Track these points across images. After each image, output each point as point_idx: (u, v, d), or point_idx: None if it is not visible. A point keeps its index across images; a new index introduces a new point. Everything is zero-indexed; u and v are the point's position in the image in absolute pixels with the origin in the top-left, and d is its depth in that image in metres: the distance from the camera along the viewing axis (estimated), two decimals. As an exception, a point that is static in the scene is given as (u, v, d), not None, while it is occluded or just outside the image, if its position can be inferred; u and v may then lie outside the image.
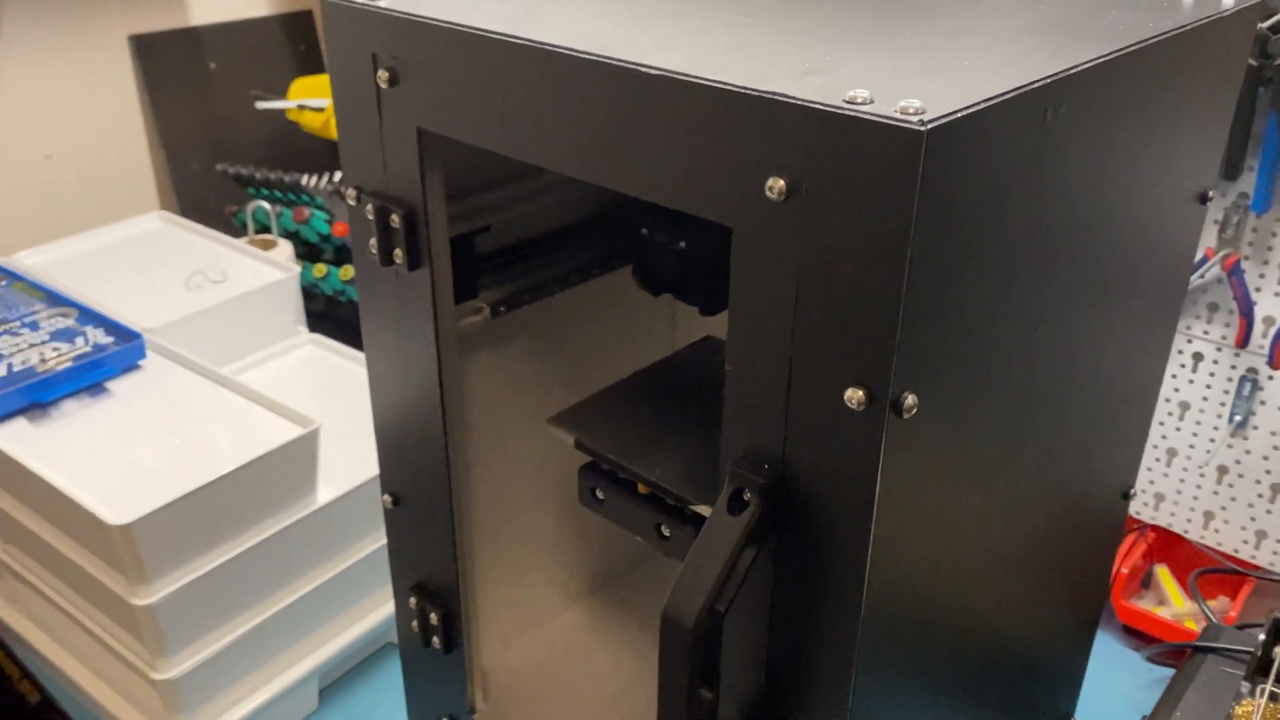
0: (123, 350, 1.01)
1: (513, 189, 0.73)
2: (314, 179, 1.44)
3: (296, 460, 0.92)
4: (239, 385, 1.00)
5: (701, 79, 0.43)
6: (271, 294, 1.20)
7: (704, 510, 0.62)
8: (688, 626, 0.47)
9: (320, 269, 1.38)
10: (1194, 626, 1.08)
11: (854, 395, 0.43)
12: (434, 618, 0.74)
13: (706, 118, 0.43)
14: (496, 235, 0.72)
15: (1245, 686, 0.87)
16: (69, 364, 0.98)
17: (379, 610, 1.05)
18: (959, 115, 0.39)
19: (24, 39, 1.51)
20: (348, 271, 1.37)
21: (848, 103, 0.39)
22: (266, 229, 1.42)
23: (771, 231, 0.43)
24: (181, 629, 0.87)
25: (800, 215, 0.42)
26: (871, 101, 0.39)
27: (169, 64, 1.65)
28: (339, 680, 1.06)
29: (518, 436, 0.80)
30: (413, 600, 0.75)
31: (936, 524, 0.52)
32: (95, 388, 1.00)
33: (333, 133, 1.58)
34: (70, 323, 1.05)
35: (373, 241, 0.63)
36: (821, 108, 0.40)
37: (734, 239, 0.45)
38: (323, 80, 1.66)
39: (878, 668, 0.51)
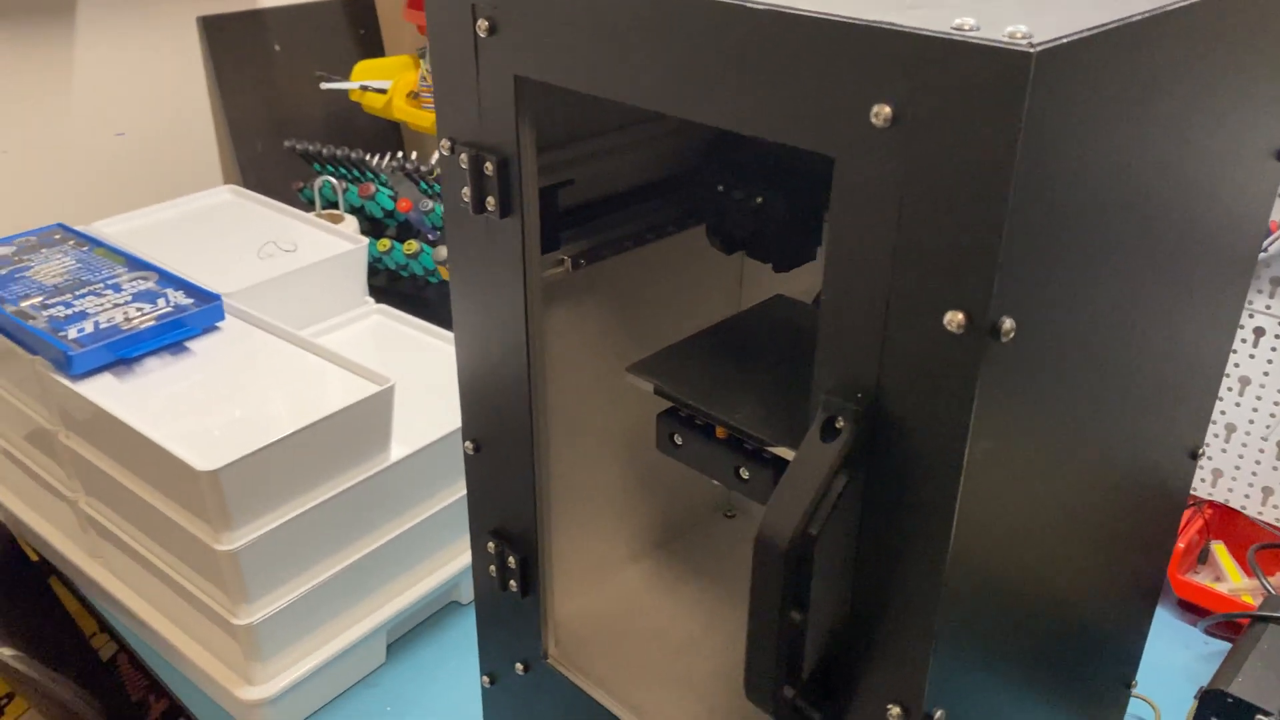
0: (203, 311, 1.05)
1: (594, 144, 0.75)
2: (379, 157, 1.47)
3: (372, 416, 0.95)
4: (315, 345, 1.03)
5: (808, 11, 0.45)
6: (341, 264, 1.23)
7: (782, 452, 0.64)
8: (781, 548, 0.49)
9: (384, 244, 1.41)
10: (1250, 601, 1.08)
11: (954, 318, 0.44)
12: (512, 561, 0.76)
13: (813, 49, 0.45)
14: (578, 190, 0.74)
15: (1309, 653, 0.87)
16: (152, 323, 1.01)
17: (444, 568, 1.07)
18: (1066, 40, 0.40)
19: (97, 20, 1.55)
20: (411, 246, 1.40)
21: (955, 29, 0.41)
22: (333, 204, 1.45)
23: (875, 159, 0.44)
24: (262, 576, 0.90)
25: (905, 141, 0.43)
26: (978, 28, 0.41)
27: (235, 45, 1.69)
28: (405, 636, 1.09)
29: (590, 390, 0.82)
30: (491, 545, 0.78)
31: (1021, 461, 0.53)
32: (176, 347, 1.03)
33: (394, 113, 1.62)
34: (151, 285, 1.08)
35: (465, 190, 0.66)
36: (929, 34, 0.41)
37: (836, 168, 0.46)
38: (385, 63, 1.70)
39: (961, 602, 0.52)
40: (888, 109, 0.43)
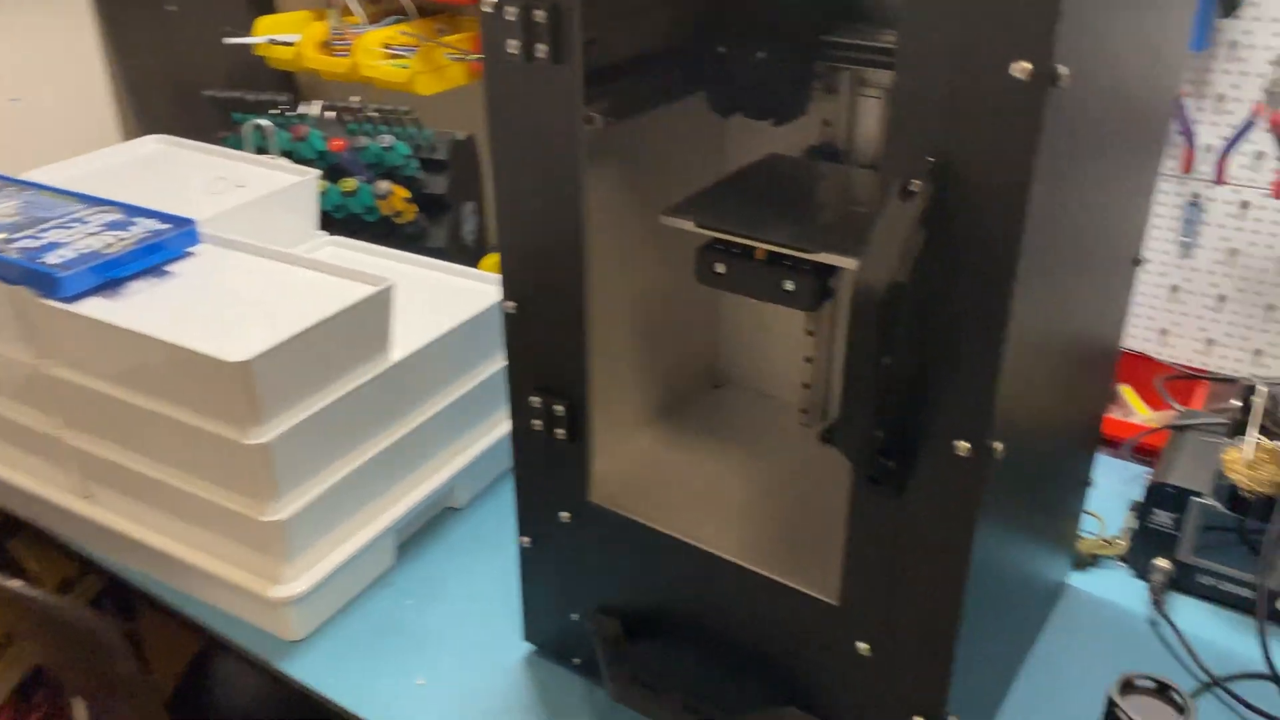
0: (180, 235, 1.05)
1: (611, 7, 0.81)
2: (307, 105, 1.48)
3: (377, 313, 0.98)
4: (303, 259, 1.05)
5: None
6: (295, 195, 1.24)
7: (823, 258, 0.72)
8: (878, 297, 0.57)
9: (319, 185, 1.42)
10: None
11: (1020, 67, 0.53)
12: (559, 409, 0.82)
13: None
14: (599, 53, 0.80)
15: (1228, 443, 1.01)
16: (134, 246, 1.01)
17: (444, 470, 1.11)
18: None
19: (-19, -19, 1.50)
20: (348, 184, 1.42)
21: None
22: (262, 150, 1.45)
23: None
24: (290, 471, 0.92)
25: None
26: None
27: (128, 7, 1.66)
28: (409, 541, 1.12)
29: (606, 252, 0.88)
30: (536, 400, 0.83)
31: (1061, 217, 0.62)
32: (157, 271, 1.03)
33: (305, 64, 1.62)
34: (118, 216, 1.07)
35: (512, 42, 0.71)
36: None
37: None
38: (285, 18, 1.69)
39: (1019, 346, 0.61)
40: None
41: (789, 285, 0.73)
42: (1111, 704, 0.55)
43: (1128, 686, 0.56)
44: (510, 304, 0.81)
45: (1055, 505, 0.93)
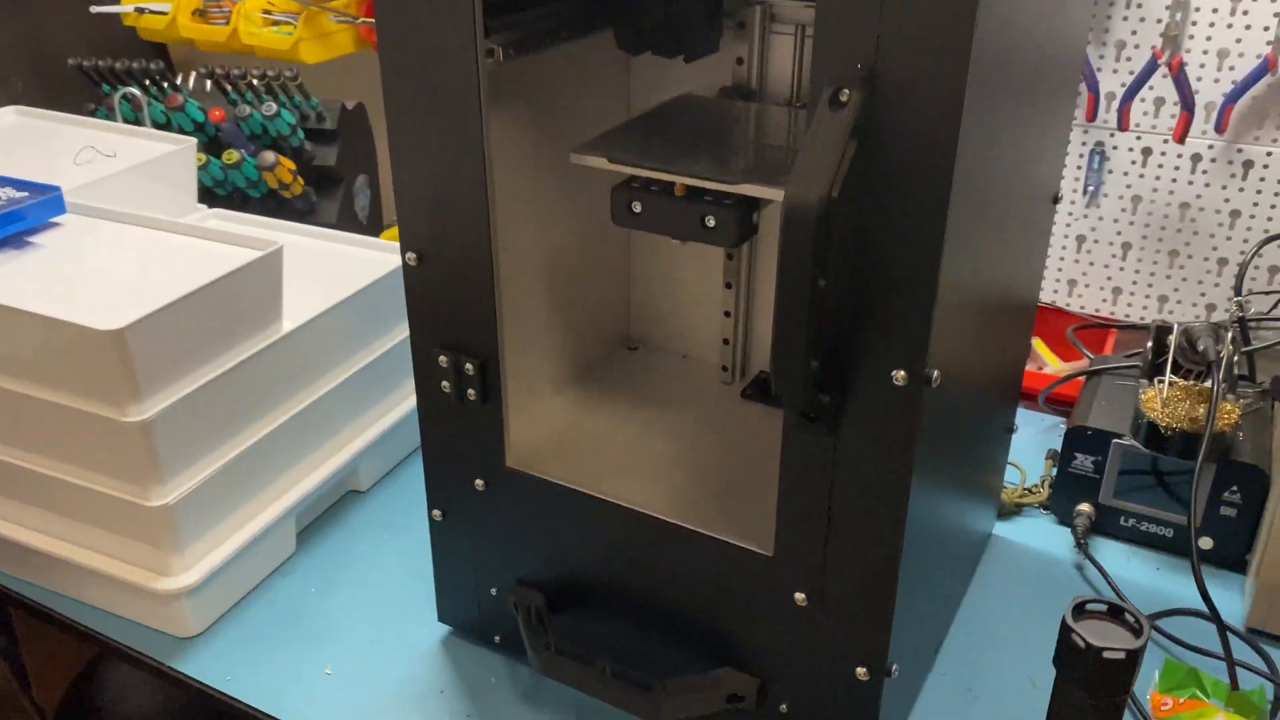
0: (42, 202, 0.96)
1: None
2: (186, 75, 1.39)
3: (266, 278, 0.91)
4: (181, 225, 0.97)
5: None
6: (169, 165, 1.15)
7: (748, 189, 0.68)
8: (811, 211, 0.53)
9: (199, 158, 1.33)
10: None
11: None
12: (470, 368, 0.76)
13: None
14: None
15: (1143, 384, 1.02)
16: (-11, 215, 0.92)
17: (345, 450, 1.04)
18: None
19: None
20: (231, 156, 1.33)
21: None
22: (134, 123, 1.35)
23: None
24: (174, 451, 0.85)
25: None
26: None
27: (-23, -26, 1.53)
28: (310, 527, 1.05)
29: (515, 200, 0.83)
30: (443, 358, 0.77)
31: (991, 153, 0.60)
32: (18, 241, 0.94)
33: (180, 33, 1.52)
34: (-30, 185, 0.98)
35: (407, -32, 0.65)
36: None
37: None
38: (155, -15, 1.59)
39: (953, 270, 0.59)
40: None
41: (710, 221, 0.69)
42: (1066, 628, 0.52)
43: (1080, 610, 0.54)
44: (411, 255, 0.76)
45: (983, 452, 0.91)
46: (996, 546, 1.03)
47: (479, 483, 0.82)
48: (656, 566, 0.77)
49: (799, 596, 0.70)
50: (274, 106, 1.33)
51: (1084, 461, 1.02)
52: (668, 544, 0.75)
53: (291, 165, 1.35)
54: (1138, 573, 0.99)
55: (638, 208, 0.72)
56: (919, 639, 0.81)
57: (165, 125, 1.36)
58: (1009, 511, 1.07)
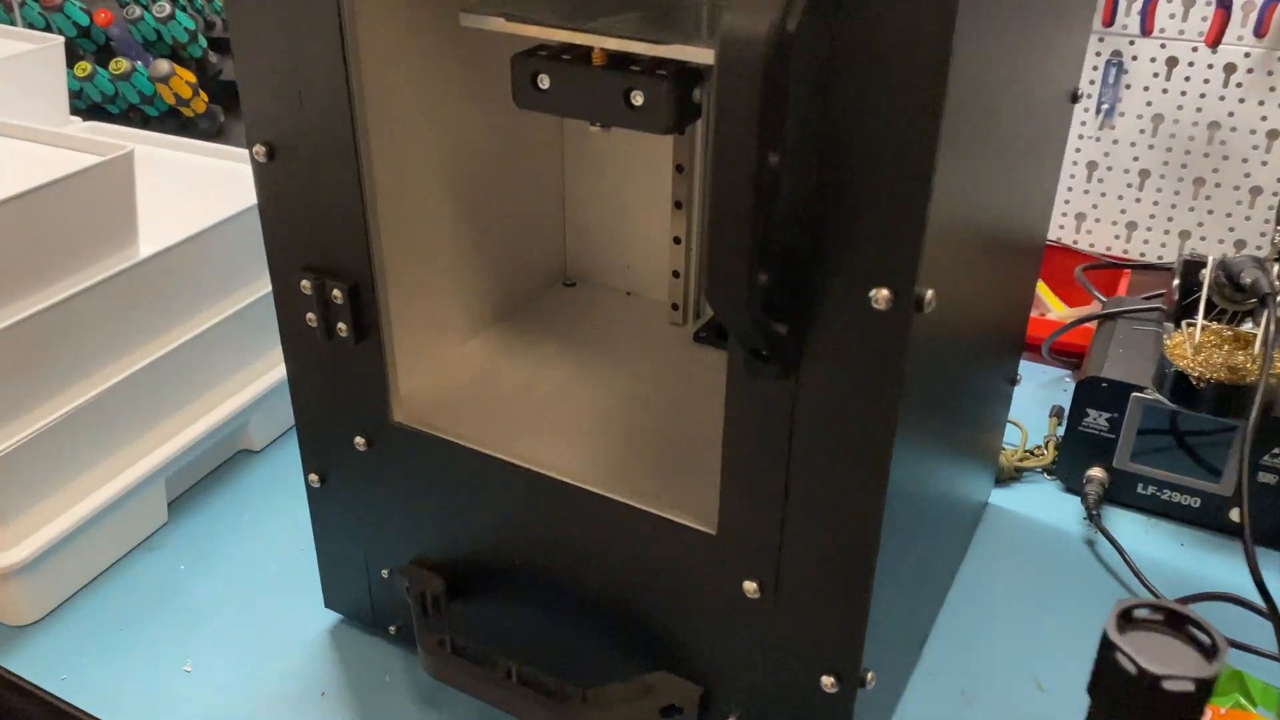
0: None
1: None
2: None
3: (112, 189, 0.75)
4: (22, 129, 0.80)
5: None
6: (29, 68, 0.98)
7: (685, 53, 0.51)
8: (757, 47, 0.37)
9: (83, 68, 1.16)
10: (1080, 325, 1.08)
11: None
12: (338, 294, 0.60)
13: None
14: None
15: (1168, 328, 0.86)
16: None
17: (228, 403, 0.88)
18: None
19: None
20: (119, 65, 1.16)
21: None
22: (8, 24, 1.17)
23: None
24: (-14, 401, 0.69)
25: None
26: None
27: None
28: (190, 491, 0.89)
29: (405, 87, 0.66)
30: (305, 282, 0.61)
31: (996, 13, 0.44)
32: None
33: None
34: None
35: None
36: None
37: None
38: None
39: (949, 175, 0.43)
40: None
41: (638, 98, 0.53)
42: (1109, 646, 0.37)
43: (1127, 619, 0.38)
44: (259, 148, 0.59)
45: (980, 407, 0.76)
46: (993, 517, 0.88)
47: (359, 441, 0.66)
48: (578, 546, 0.62)
49: (749, 586, 0.55)
50: (168, 7, 1.16)
51: (1097, 419, 0.87)
52: (590, 518, 0.60)
53: (191, 78, 1.18)
54: (1159, 549, 0.84)
55: (545, 82, 0.55)
56: (900, 634, 0.66)
57: (45, 29, 1.18)
58: (1008, 476, 0.92)
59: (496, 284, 0.80)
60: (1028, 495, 0.90)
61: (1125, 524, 0.87)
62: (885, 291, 0.44)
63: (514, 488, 0.62)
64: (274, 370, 0.92)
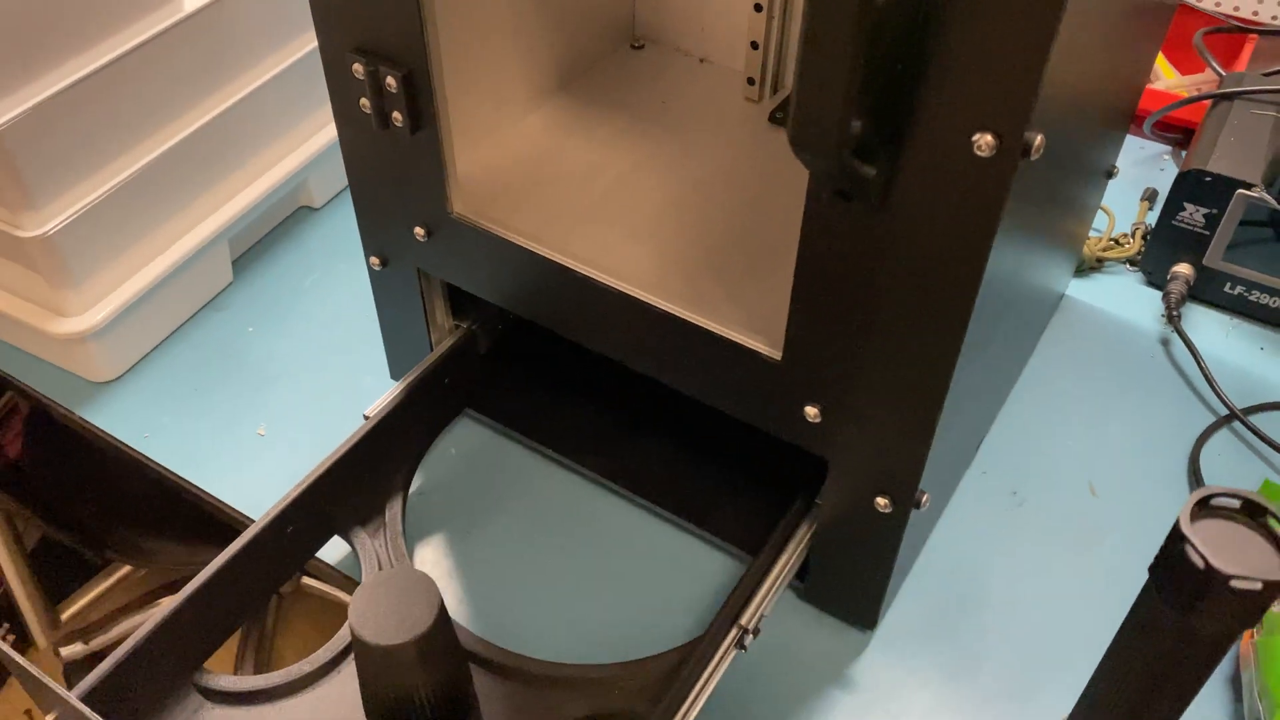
0: None
1: None
2: None
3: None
4: None
5: None
6: None
7: None
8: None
9: None
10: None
11: None
12: (392, 82, 0.56)
13: None
14: None
15: (1290, 117, 0.79)
16: None
17: (289, 159, 0.86)
18: None
19: None
20: None
21: None
22: None
23: None
24: (45, 166, 0.68)
25: None
26: None
27: None
28: (252, 251, 0.89)
29: None
30: (357, 66, 0.57)
31: None
32: None
33: None
34: None
35: None
36: None
37: None
38: None
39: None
40: None
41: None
42: (1177, 536, 0.36)
43: (1204, 506, 0.37)
44: (304, -83, 0.53)
45: (1072, 204, 0.71)
46: (1067, 310, 0.85)
47: (419, 231, 0.64)
48: (631, 355, 0.61)
49: (810, 410, 0.54)
50: None
51: (1194, 214, 0.81)
52: (649, 329, 0.58)
53: None
54: (1236, 352, 0.82)
55: None
56: (957, 444, 0.66)
57: None
58: (1089, 266, 0.88)
59: (558, 48, 0.75)
60: (1107, 288, 0.87)
61: (1205, 323, 0.84)
62: (989, 137, 0.40)
63: (567, 290, 0.61)
64: (331, 126, 0.89)
